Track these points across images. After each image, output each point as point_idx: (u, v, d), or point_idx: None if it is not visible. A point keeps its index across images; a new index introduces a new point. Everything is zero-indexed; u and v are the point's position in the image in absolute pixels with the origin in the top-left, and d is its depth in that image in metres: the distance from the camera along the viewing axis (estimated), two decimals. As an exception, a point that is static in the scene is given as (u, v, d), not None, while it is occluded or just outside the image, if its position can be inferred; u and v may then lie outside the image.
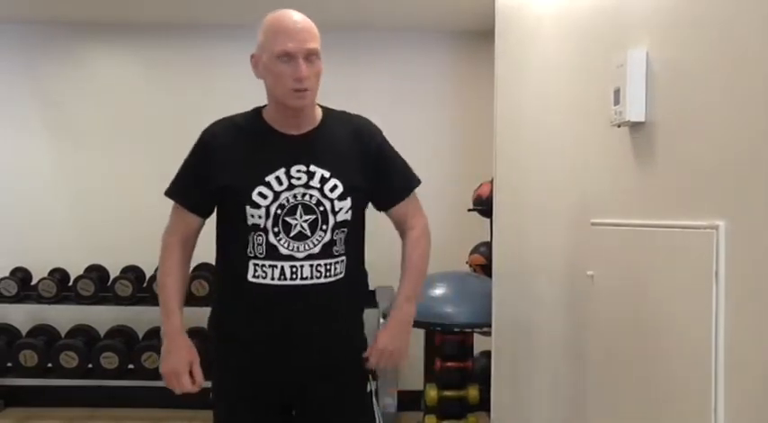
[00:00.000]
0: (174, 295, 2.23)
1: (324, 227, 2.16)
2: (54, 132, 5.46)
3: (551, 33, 2.60)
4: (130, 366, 4.94)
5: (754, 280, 1.30)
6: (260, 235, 2.14)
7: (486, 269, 4.18)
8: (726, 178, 1.40)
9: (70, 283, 5.13)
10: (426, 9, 4.91)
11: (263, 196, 2.13)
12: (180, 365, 2.18)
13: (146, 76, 5.50)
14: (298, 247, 2.14)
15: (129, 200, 5.34)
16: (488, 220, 3.84)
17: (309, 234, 2.14)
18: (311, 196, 2.15)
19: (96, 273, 5.17)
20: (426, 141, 5.41)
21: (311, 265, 2.15)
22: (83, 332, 5.15)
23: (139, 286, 5.07)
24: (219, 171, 2.17)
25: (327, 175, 2.17)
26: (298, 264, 2.14)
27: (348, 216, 2.19)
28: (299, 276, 2.14)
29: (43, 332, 5.15)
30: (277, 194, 2.13)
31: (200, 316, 5.47)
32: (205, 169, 2.19)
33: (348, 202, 2.18)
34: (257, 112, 2.26)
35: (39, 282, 5.06)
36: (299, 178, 2.15)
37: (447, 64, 5.49)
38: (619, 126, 1.85)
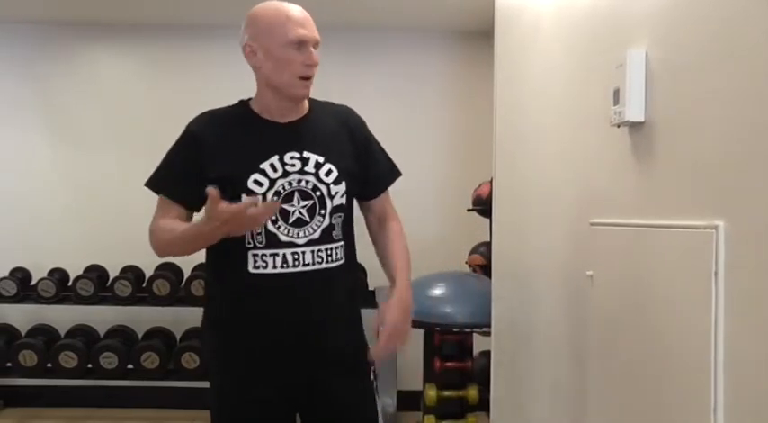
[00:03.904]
0: (178, 224, 2.13)
1: (322, 212, 2.17)
2: (54, 132, 5.46)
3: (551, 33, 2.60)
4: (130, 366, 4.94)
5: (754, 280, 1.30)
6: None
7: (485, 269, 4.19)
8: (725, 178, 1.40)
9: (70, 283, 5.13)
10: (426, 9, 4.91)
11: (259, 184, 2.12)
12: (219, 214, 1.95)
13: (146, 76, 5.50)
14: (298, 234, 2.14)
15: (128, 200, 5.32)
16: (488, 220, 3.84)
17: (308, 219, 2.15)
18: (307, 182, 2.16)
19: (96, 273, 5.17)
20: (426, 141, 5.42)
21: (312, 251, 2.15)
22: (82, 332, 5.15)
23: (139, 286, 5.07)
24: (211, 162, 2.14)
25: (321, 160, 2.19)
26: (299, 250, 2.14)
27: (343, 200, 2.22)
28: (302, 263, 2.14)
29: (43, 332, 5.16)
30: (273, 181, 2.12)
31: (200, 315, 5.46)
32: (196, 161, 2.15)
33: (343, 187, 2.20)
34: (243, 103, 2.27)
35: (38, 282, 5.06)
36: (293, 164, 2.15)
37: (447, 64, 5.50)
38: (618, 126, 1.85)
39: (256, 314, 2.16)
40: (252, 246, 2.12)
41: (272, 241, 2.12)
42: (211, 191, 1.91)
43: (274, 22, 2.14)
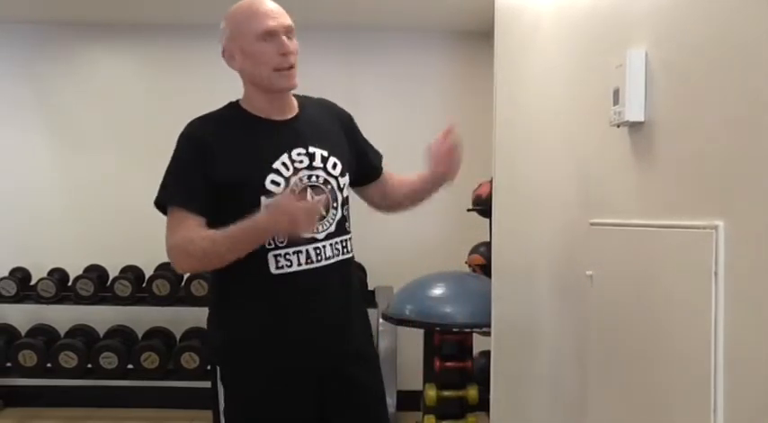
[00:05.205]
0: (221, 230, 2.03)
1: (335, 204, 2.19)
2: (53, 132, 5.47)
3: (551, 33, 2.60)
4: (130, 366, 4.95)
5: (754, 280, 1.30)
6: None
7: (485, 269, 4.19)
8: (725, 178, 1.40)
9: (69, 283, 5.14)
10: (426, 9, 4.91)
11: (276, 184, 2.09)
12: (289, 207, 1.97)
13: (145, 77, 5.51)
14: (317, 228, 2.13)
15: (128, 200, 5.33)
16: (488, 220, 3.84)
17: (324, 213, 2.15)
18: (317, 176, 2.17)
19: (95, 273, 5.18)
20: (426, 141, 5.40)
21: (331, 244, 2.17)
22: (82, 332, 5.16)
23: (139, 286, 5.07)
24: (223, 167, 2.08)
25: (326, 153, 2.20)
26: (320, 244, 2.14)
27: (348, 192, 2.26)
28: (324, 257, 2.15)
29: (42, 332, 5.16)
30: (287, 180, 2.10)
31: (200, 315, 5.49)
32: (207, 166, 2.08)
33: (347, 178, 2.25)
34: (233, 105, 2.24)
35: (38, 282, 5.07)
36: (301, 161, 2.14)
37: (446, 64, 5.49)
38: (618, 126, 1.85)
39: (284, 315, 2.13)
40: (273, 246, 2.09)
41: (294, 239, 2.09)
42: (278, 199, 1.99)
43: (242, 20, 2.13)
